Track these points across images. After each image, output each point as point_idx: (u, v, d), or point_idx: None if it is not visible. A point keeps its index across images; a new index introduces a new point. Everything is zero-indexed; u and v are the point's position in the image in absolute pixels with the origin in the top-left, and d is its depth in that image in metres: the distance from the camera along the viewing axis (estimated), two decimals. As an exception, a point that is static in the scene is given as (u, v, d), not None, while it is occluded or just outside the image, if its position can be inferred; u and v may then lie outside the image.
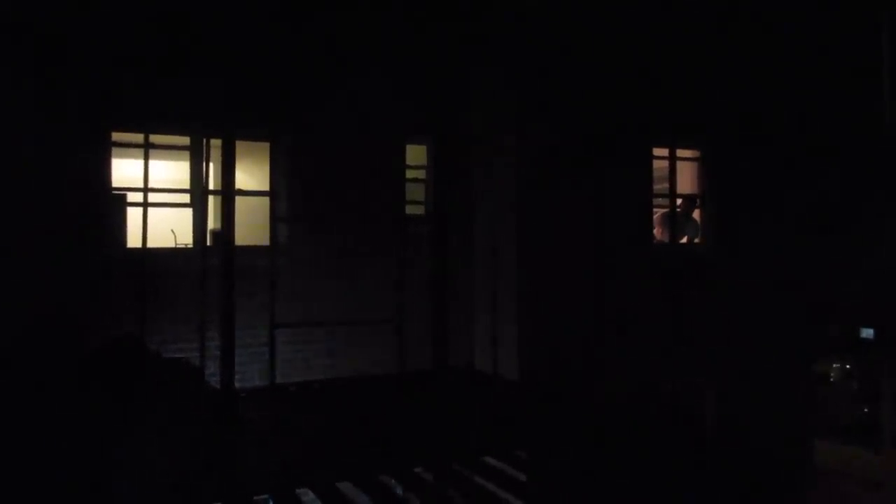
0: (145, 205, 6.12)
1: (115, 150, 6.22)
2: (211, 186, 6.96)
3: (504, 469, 4.36)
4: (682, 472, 4.69)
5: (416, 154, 7.62)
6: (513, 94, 7.04)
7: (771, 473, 7.40)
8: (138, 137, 6.26)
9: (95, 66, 5.82)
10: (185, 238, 6.74)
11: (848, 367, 8.97)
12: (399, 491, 4.45)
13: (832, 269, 8.20)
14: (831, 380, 9.16)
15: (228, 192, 5.08)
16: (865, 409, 8.65)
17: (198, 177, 6.50)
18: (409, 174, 7.43)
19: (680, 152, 7.97)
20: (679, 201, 8.04)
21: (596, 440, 4.90)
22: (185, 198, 6.56)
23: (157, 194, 6.45)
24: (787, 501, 7.48)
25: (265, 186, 6.81)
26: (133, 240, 6.17)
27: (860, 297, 8.10)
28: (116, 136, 6.24)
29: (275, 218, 6.41)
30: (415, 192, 7.52)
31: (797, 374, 8.19)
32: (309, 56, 6.65)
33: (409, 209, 7.39)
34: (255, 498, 3.92)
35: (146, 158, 6.19)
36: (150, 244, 6.08)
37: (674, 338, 7.29)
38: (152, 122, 6.20)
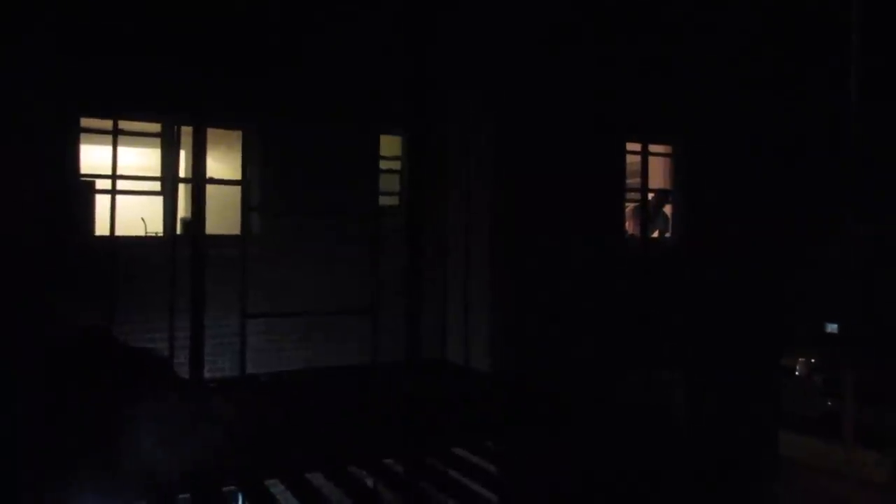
0: (114, 192, 6.02)
1: (83, 137, 6.11)
2: (182, 174, 6.87)
3: (474, 460, 4.37)
4: (651, 462, 4.75)
5: (390, 145, 7.59)
6: (487, 90, 7.05)
7: (737, 463, 7.53)
8: (107, 124, 6.15)
9: (63, 50, 5.70)
10: (156, 226, 6.65)
11: (813, 360, 9.16)
12: (369, 482, 4.45)
13: (800, 265, 8.34)
14: (797, 373, 9.35)
15: (199, 180, 5.02)
16: (829, 403, 8.86)
17: (168, 164, 6.41)
18: (384, 165, 7.40)
19: (652, 147, 8.06)
20: (650, 195, 8.13)
21: (566, 431, 4.93)
22: (156, 185, 6.47)
23: (126, 182, 6.34)
24: (752, 491, 7.62)
25: (237, 175, 6.74)
26: (101, 228, 6.07)
27: (826, 292, 8.25)
28: (85, 122, 6.13)
29: (247, 207, 6.35)
30: (389, 182, 7.50)
31: (764, 368, 8.34)
32: (282, 43, 6.58)
33: (383, 200, 7.37)
34: (223, 489, 3.89)
35: (114, 145, 6.09)
36: (119, 232, 6.00)
37: (644, 330, 7.37)
38: (122, 109, 6.10)
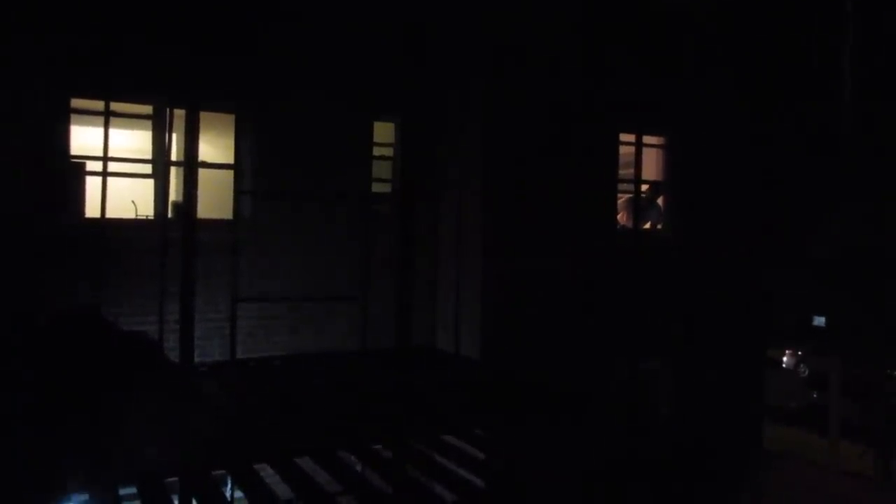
0: (105, 174, 5.98)
1: (74, 118, 6.06)
2: (174, 157, 6.83)
3: (463, 447, 4.40)
4: (637, 451, 4.79)
5: (383, 132, 7.57)
6: (480, 78, 7.03)
7: (722, 453, 7.60)
8: (98, 105, 6.11)
9: (54, 28, 5.65)
10: (147, 209, 6.62)
11: (800, 353, 9.24)
12: (358, 467, 4.47)
13: (789, 258, 8.39)
14: (783, 365, 9.43)
15: (191, 163, 5.00)
16: (815, 395, 8.95)
17: (160, 147, 6.37)
18: (377, 152, 7.38)
19: (646, 139, 8.06)
20: (644, 187, 8.14)
21: (554, 419, 4.97)
22: (147, 168, 6.43)
23: (117, 164, 6.30)
24: (737, 480, 7.69)
25: (229, 159, 6.71)
26: (92, 210, 6.04)
27: (814, 286, 8.31)
28: (76, 102, 6.08)
29: (238, 191, 6.32)
30: (382, 169, 7.48)
31: (751, 359, 8.41)
32: (276, 26, 6.54)
33: (376, 187, 7.35)
34: (212, 473, 3.91)
35: (106, 126, 6.04)
36: (110, 215, 5.96)
37: (633, 321, 7.40)
38: (113, 90, 6.05)
